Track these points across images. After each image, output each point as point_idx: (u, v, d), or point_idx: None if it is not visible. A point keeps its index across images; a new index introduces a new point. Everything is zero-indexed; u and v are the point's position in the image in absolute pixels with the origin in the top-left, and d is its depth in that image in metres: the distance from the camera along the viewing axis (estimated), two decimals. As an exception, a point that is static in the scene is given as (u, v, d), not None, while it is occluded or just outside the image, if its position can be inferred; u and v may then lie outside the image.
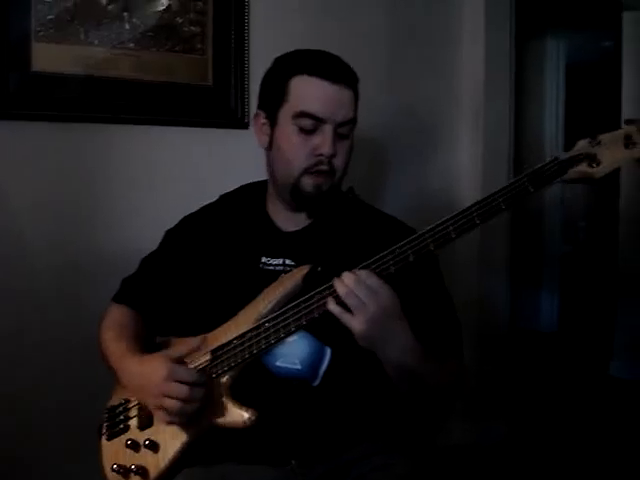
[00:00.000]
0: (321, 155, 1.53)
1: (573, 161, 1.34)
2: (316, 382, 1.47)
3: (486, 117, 3.14)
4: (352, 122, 1.57)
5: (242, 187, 1.77)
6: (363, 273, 1.35)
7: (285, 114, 1.56)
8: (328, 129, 1.52)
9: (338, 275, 1.38)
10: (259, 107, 1.65)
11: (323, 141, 1.52)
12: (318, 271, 1.45)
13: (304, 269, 1.47)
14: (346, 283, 1.34)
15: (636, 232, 4.37)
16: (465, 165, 3.14)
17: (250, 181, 1.77)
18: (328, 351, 1.48)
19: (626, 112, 4.38)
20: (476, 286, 3.09)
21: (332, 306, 1.35)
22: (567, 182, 1.39)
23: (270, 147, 1.62)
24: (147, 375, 1.44)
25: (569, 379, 4.44)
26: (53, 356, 2.30)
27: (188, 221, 1.75)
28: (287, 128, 1.56)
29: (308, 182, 1.55)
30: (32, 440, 2.27)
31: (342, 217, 1.64)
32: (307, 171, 1.55)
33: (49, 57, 2.28)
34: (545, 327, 5.74)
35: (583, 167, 1.33)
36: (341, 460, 1.51)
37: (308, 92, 1.53)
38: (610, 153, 1.32)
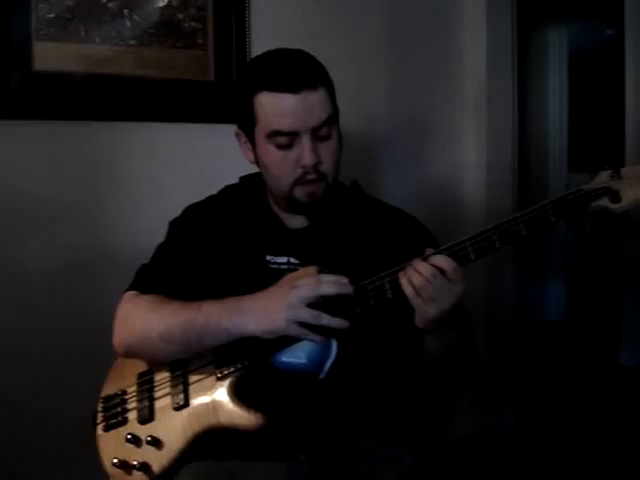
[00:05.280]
0: (305, 166, 1.50)
1: (596, 194, 1.33)
2: (322, 376, 1.47)
3: (489, 110, 3.13)
4: (330, 120, 1.52)
5: (244, 178, 1.74)
6: (437, 258, 1.36)
7: (259, 135, 1.53)
8: (305, 139, 1.48)
9: (345, 273, 1.40)
10: (238, 126, 1.62)
11: (302, 152, 1.49)
12: (326, 272, 1.44)
13: (311, 270, 1.46)
14: (423, 273, 1.34)
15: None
16: (469, 159, 3.12)
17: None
18: (334, 344, 1.47)
19: (630, 100, 4.36)
20: (483, 276, 3.09)
21: (408, 289, 1.36)
22: (587, 215, 1.38)
23: (257, 163, 1.61)
24: (288, 284, 1.41)
25: (577, 368, 4.43)
26: (52, 358, 2.30)
27: (192, 211, 1.71)
28: (265, 147, 1.53)
29: (301, 192, 1.53)
30: (31, 442, 2.28)
31: (347, 212, 1.63)
32: (297, 182, 1.52)
33: (50, 56, 2.27)
34: (553, 316, 5.73)
35: (604, 202, 1.33)
36: (349, 453, 1.51)
37: (273, 110, 1.49)
38: (631, 190, 1.32)
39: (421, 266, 1.35)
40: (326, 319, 1.37)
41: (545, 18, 5.47)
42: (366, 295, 1.42)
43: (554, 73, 5.72)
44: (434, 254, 1.38)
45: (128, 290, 1.61)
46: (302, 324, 1.38)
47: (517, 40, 3.27)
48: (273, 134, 1.50)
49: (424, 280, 1.34)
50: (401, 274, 1.38)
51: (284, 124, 1.48)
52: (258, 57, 1.59)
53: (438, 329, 1.41)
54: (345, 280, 1.39)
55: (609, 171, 1.35)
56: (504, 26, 3.19)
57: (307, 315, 1.37)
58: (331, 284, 1.38)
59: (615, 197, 1.32)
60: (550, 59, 5.71)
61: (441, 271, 1.35)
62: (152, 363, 1.57)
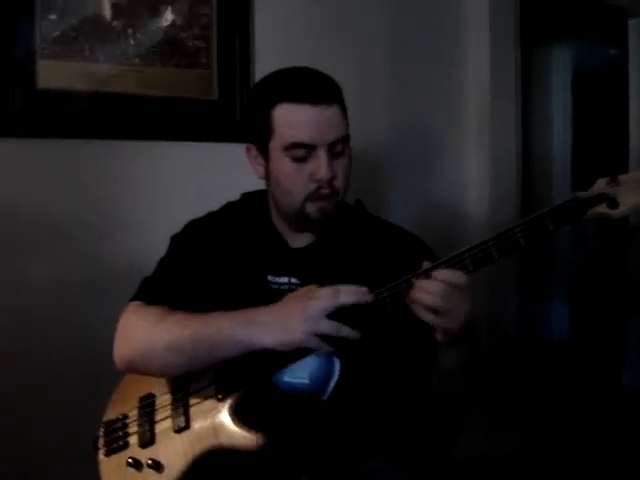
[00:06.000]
0: (320, 180, 1.48)
1: (593, 202, 1.33)
2: (325, 396, 1.46)
3: (492, 127, 3.14)
4: (345, 139, 1.52)
5: (246, 196, 1.72)
6: (447, 274, 1.34)
7: (275, 147, 1.51)
8: (321, 153, 1.47)
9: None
10: (249, 140, 1.60)
11: (318, 166, 1.47)
12: None
13: (311, 289, 1.43)
14: (435, 291, 1.32)
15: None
16: (472, 177, 3.13)
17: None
18: (337, 364, 1.46)
19: (633, 119, 4.36)
20: (487, 295, 3.08)
21: (426, 315, 1.33)
22: (588, 225, 1.38)
23: (268, 177, 1.58)
24: (302, 296, 1.39)
25: (582, 388, 4.41)
26: (52, 361, 2.30)
27: (195, 227, 1.68)
28: (280, 160, 1.51)
29: (312, 208, 1.51)
30: (31, 442, 2.27)
31: (350, 231, 1.62)
32: (309, 198, 1.50)
33: (54, 74, 2.28)
34: (557, 336, 5.71)
35: (602, 208, 1.32)
36: (350, 474, 1.50)
37: (292, 121, 1.48)
38: (629, 196, 1.31)
39: (433, 286, 1.33)
40: (345, 330, 1.34)
41: (549, 37, 5.48)
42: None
43: (558, 91, 5.73)
44: (432, 268, 1.36)
45: (132, 300, 1.58)
46: (320, 336, 1.35)
47: (521, 58, 3.28)
48: (291, 146, 1.48)
49: (440, 299, 1.32)
50: (414, 304, 1.35)
51: (303, 135, 1.47)
52: (276, 72, 1.58)
53: (458, 340, 1.39)
54: (364, 289, 1.37)
55: (607, 178, 1.34)
56: (508, 44, 3.20)
57: (328, 327, 1.33)
58: (349, 293, 1.35)
59: (613, 203, 1.32)
60: (554, 77, 5.72)
61: (452, 284, 1.33)
62: (153, 386, 1.55)
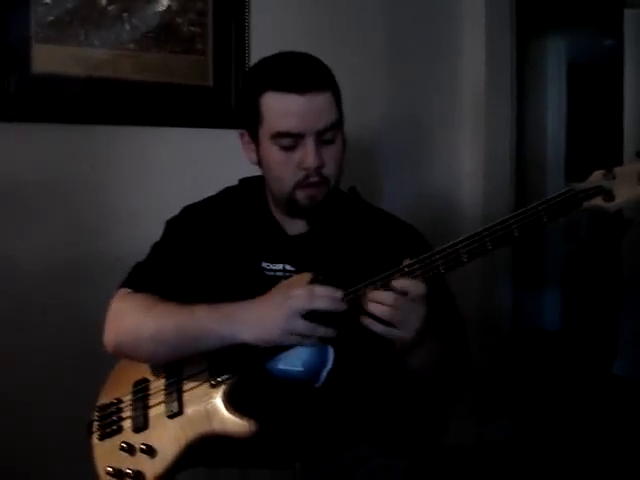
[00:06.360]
0: (308, 168, 1.48)
1: (589, 194, 1.33)
2: (318, 383, 1.46)
3: (487, 119, 3.13)
4: (335, 125, 1.51)
5: (244, 182, 1.72)
6: (404, 283, 1.35)
7: (263, 135, 1.52)
8: (309, 142, 1.47)
9: (339, 281, 1.38)
10: (242, 126, 1.61)
11: (305, 155, 1.47)
12: (320, 279, 1.43)
13: (306, 277, 1.44)
14: (386, 302, 1.34)
15: (639, 230, 4.35)
16: (466, 168, 3.13)
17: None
18: (331, 352, 1.46)
19: (628, 111, 4.36)
20: (479, 285, 3.08)
21: (377, 327, 1.36)
22: (582, 217, 1.38)
23: (260, 164, 1.59)
24: (283, 293, 1.40)
25: (572, 378, 4.43)
26: (51, 359, 2.29)
27: (191, 212, 1.68)
28: (268, 148, 1.51)
29: (301, 195, 1.51)
30: (31, 442, 2.27)
31: (344, 219, 1.62)
32: (298, 185, 1.50)
33: (49, 58, 2.28)
34: (549, 326, 5.72)
35: (598, 201, 1.33)
36: (342, 461, 1.50)
37: (279, 111, 1.48)
38: (625, 188, 1.32)
39: (382, 296, 1.35)
40: (321, 331, 1.37)
41: (544, 28, 5.47)
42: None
43: (553, 83, 5.72)
44: (411, 265, 1.38)
45: (121, 287, 1.59)
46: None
47: (516, 50, 3.27)
48: (278, 135, 1.48)
49: (390, 311, 1.34)
50: (363, 316, 1.37)
51: (289, 125, 1.47)
52: (266, 58, 1.58)
53: (419, 345, 1.41)
54: (338, 295, 1.38)
55: (602, 171, 1.35)
56: (503, 36, 3.19)
57: (303, 327, 1.36)
58: (324, 299, 1.37)
59: (609, 196, 1.32)
60: (549, 69, 5.71)
61: (403, 293, 1.35)
62: (147, 371, 1.56)
